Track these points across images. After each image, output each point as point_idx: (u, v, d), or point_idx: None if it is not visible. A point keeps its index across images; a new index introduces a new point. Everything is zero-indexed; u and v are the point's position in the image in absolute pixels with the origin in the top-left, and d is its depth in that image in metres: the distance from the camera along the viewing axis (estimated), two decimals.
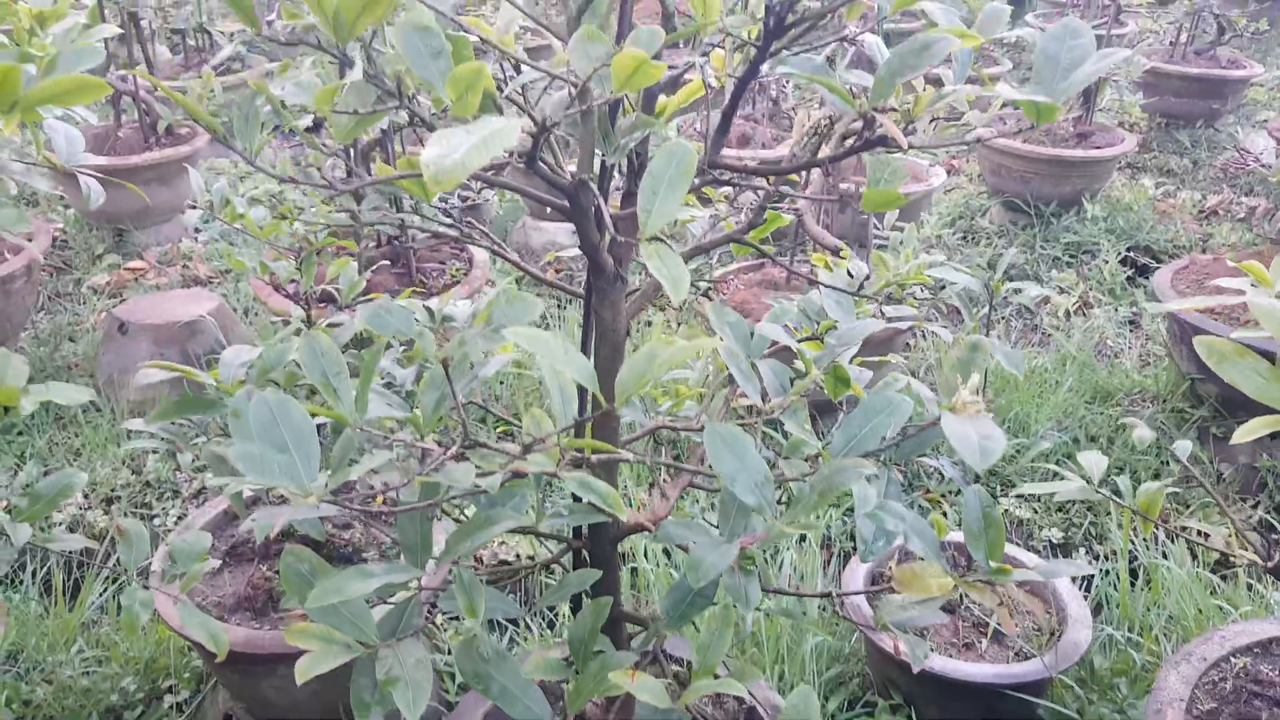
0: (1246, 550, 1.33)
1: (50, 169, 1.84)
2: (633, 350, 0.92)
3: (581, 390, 1.08)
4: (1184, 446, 1.55)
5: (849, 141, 1.07)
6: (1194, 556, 2.46)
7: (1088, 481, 1.53)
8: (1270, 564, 1.40)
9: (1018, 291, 2.53)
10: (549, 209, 1.05)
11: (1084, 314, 3.87)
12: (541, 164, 0.97)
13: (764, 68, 0.97)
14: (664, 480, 1.37)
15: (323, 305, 2.54)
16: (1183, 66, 5.28)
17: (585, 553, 1.31)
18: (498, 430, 2.69)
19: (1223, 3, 5.45)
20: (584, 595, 1.31)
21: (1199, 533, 2.53)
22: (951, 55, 1.04)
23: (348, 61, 0.98)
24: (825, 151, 1.06)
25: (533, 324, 0.85)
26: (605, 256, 1.08)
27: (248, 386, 1.08)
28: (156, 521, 2.70)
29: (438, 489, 1.03)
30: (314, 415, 0.89)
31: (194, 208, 2.02)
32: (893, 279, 1.48)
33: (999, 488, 2.82)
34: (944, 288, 3.95)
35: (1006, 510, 2.72)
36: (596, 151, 1.01)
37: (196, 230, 4.29)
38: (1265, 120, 5.68)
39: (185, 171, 4.21)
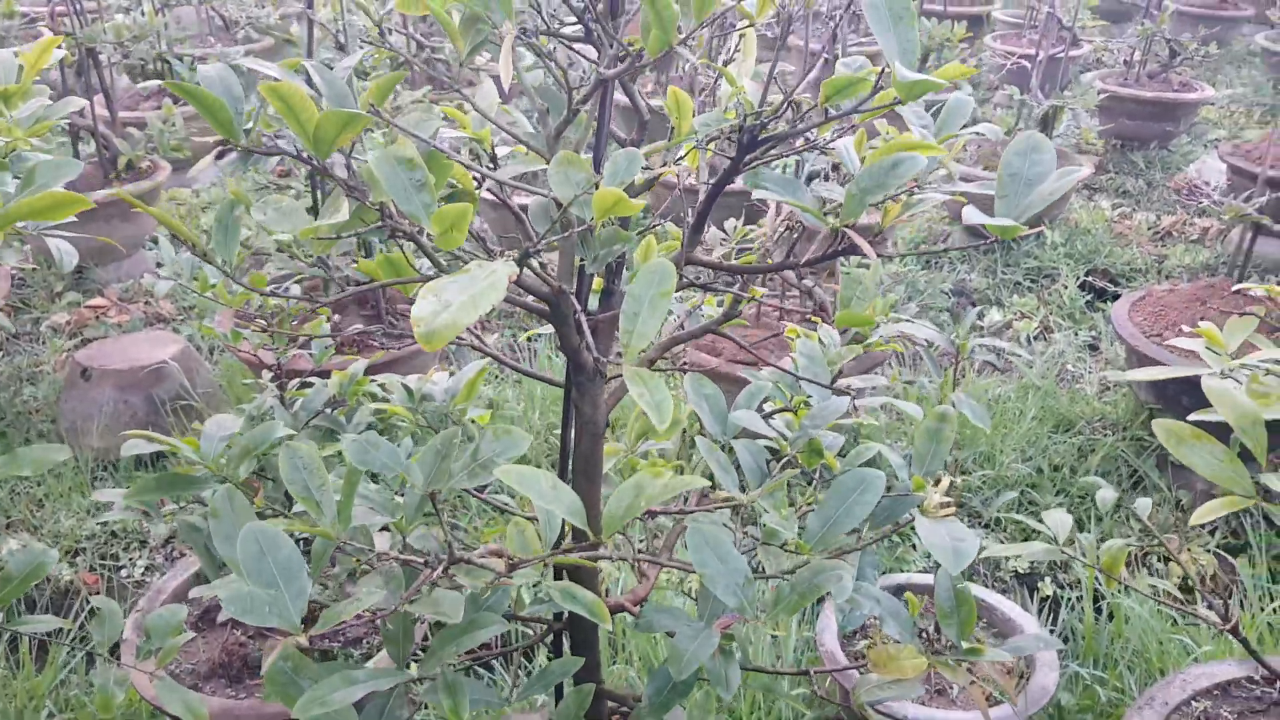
0: (1210, 611, 1.37)
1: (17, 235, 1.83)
2: (611, 435, 0.94)
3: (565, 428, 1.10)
4: (1144, 505, 1.59)
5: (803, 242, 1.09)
6: (1156, 589, 2.51)
7: (1054, 542, 1.57)
8: (1228, 625, 1.44)
9: (981, 325, 2.58)
10: (530, 301, 1.07)
11: (1045, 338, 3.94)
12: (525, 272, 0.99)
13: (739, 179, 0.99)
14: (642, 564, 1.39)
15: (293, 359, 2.53)
16: (1137, 90, 5.39)
17: (565, 634, 1.33)
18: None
19: (1174, 26, 5.57)
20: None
21: (1166, 560, 2.58)
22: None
23: (328, 173, 0.99)
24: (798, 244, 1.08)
25: (520, 459, 0.86)
26: (585, 355, 1.10)
27: (225, 488, 1.09)
28: (124, 573, 2.68)
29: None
30: (298, 533, 0.90)
31: (160, 268, 2.01)
32: (862, 347, 1.51)
33: (966, 518, 2.87)
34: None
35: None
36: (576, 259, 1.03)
37: (159, 265, 4.25)
38: (1216, 140, 5.81)
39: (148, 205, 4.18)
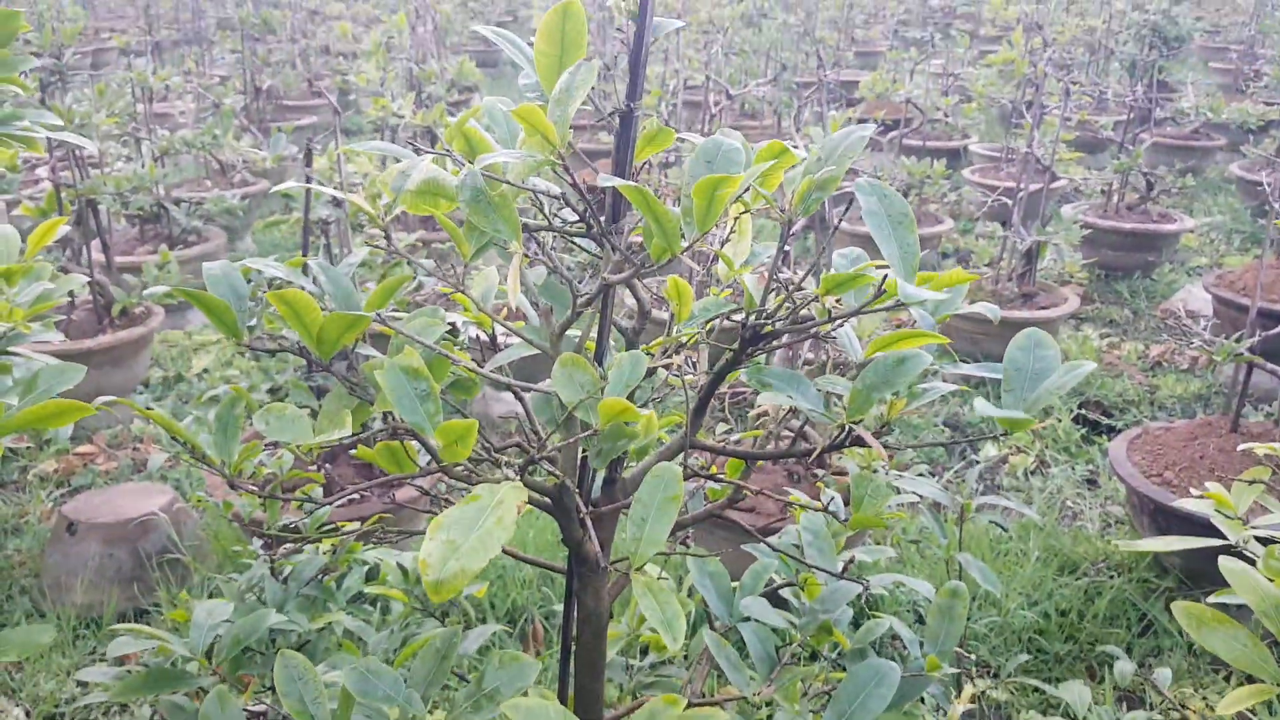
0: None
1: None
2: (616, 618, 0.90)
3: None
4: (1164, 676, 1.55)
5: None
6: None
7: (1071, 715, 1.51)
8: None
9: (975, 463, 2.55)
10: (533, 495, 1.05)
11: (1042, 474, 3.91)
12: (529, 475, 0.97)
13: (742, 375, 0.98)
14: None
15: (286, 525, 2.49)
16: (1117, 222, 5.51)
17: None
18: None
19: (1149, 158, 5.73)
20: None
21: None
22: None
23: (331, 372, 0.99)
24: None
25: (525, 691, 0.83)
26: (589, 548, 1.07)
27: (216, 691, 1.04)
28: None
29: None
30: None
31: (149, 409, 1.99)
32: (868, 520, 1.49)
33: (975, 669, 2.79)
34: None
35: (984, 692, 2.69)
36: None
37: (149, 406, 4.23)
38: (1198, 268, 5.92)
39: (140, 351, 4.18)
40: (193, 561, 3.03)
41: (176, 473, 3.79)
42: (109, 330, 4.07)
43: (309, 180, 2.72)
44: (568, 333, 1.08)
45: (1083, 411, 4.30)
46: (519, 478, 0.87)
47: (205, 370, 4.61)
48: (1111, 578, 3.15)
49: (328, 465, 3.04)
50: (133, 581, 2.98)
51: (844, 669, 1.38)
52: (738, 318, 1.02)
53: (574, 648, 1.17)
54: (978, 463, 2.97)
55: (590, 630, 1.13)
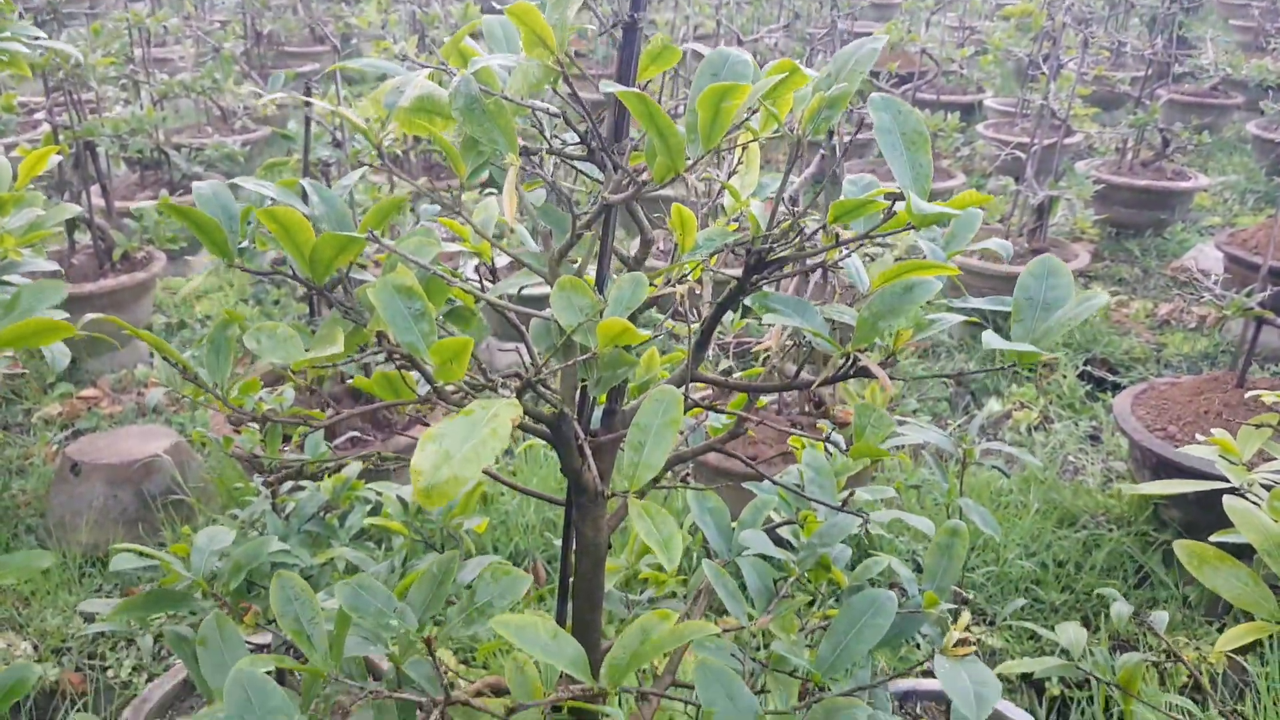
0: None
1: None
2: (614, 550, 0.90)
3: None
4: (1160, 619, 1.54)
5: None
6: (1163, 683, 2.46)
7: (1067, 656, 1.51)
8: None
9: (977, 420, 2.54)
10: (530, 424, 1.04)
11: (1045, 429, 3.90)
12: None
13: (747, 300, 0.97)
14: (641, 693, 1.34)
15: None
16: (1131, 179, 5.44)
17: None
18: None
19: (1165, 115, 5.66)
20: None
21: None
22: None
23: (324, 295, 0.97)
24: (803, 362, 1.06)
25: (515, 607, 0.82)
26: (587, 477, 1.06)
27: (214, 614, 1.04)
28: (110, 674, 2.59)
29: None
30: (286, 670, 0.86)
31: (153, 358, 1.98)
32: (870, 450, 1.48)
33: (971, 617, 2.80)
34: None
35: (979, 639, 2.70)
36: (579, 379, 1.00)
37: (152, 355, 4.23)
38: (1211, 227, 5.86)
39: (141, 297, 4.17)
40: (197, 502, 3.04)
41: (180, 417, 3.79)
42: (110, 275, 4.06)
43: (309, 120, 2.69)
44: (567, 262, 1.06)
45: (1088, 368, 4.28)
46: (515, 398, 0.86)
47: (209, 317, 4.60)
48: (1110, 530, 3.15)
49: (330, 410, 3.04)
50: (137, 522, 2.99)
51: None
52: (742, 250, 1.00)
53: (572, 579, 1.17)
54: (980, 406, 2.96)
55: (588, 561, 1.12)
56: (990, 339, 0.86)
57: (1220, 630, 2.75)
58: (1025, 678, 2.63)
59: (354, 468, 1.86)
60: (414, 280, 0.81)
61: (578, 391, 1.07)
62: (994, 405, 4.20)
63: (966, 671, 0.93)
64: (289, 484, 1.90)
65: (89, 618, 2.62)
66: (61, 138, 3.83)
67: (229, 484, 3.13)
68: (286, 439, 1.85)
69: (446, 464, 0.62)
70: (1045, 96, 4.54)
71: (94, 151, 4.10)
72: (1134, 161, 5.62)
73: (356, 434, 2.50)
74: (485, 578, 0.90)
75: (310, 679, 1.04)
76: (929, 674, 2.60)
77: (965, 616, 1.05)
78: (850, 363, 0.97)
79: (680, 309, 1.05)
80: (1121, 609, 1.48)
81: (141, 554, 1.34)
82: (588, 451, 0.95)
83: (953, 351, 4.44)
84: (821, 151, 2.53)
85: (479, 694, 0.96)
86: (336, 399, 3.06)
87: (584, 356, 0.85)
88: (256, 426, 1.84)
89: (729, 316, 2.92)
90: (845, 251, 0.97)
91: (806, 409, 2.77)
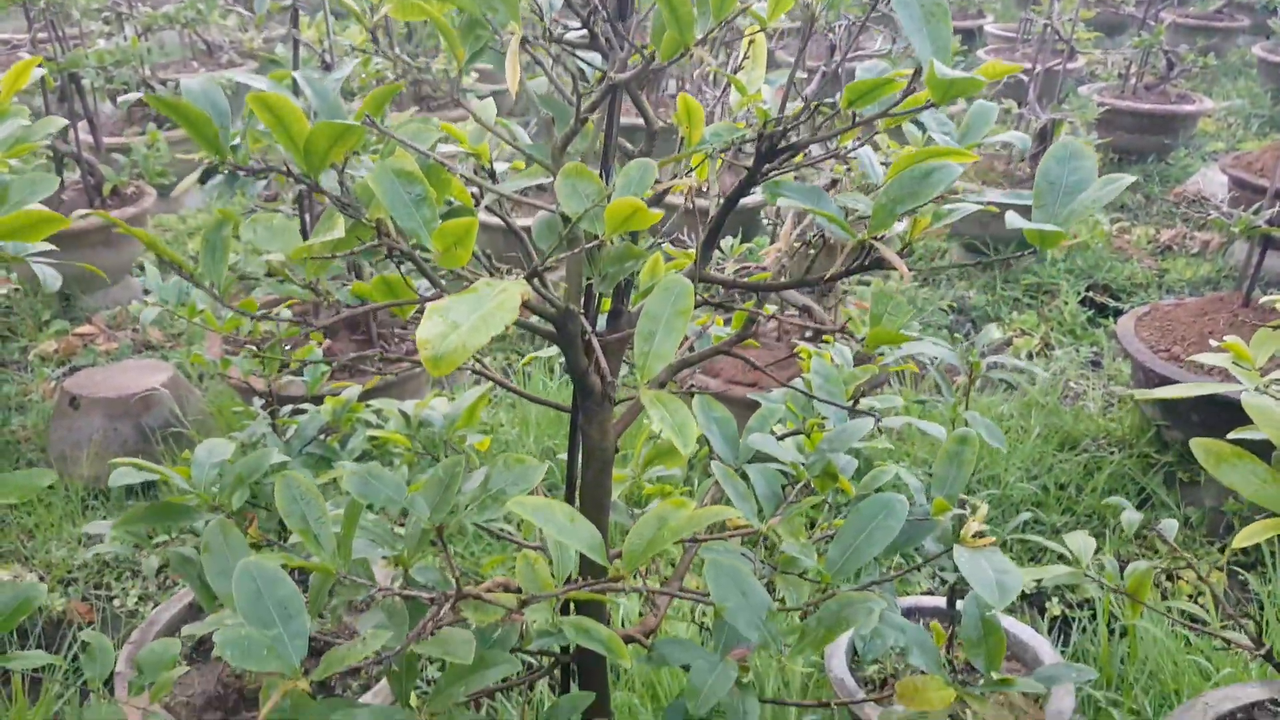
0: (1238, 634, 1.31)
1: None
2: (621, 462, 0.88)
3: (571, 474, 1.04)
4: (1169, 526, 1.54)
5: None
6: (1181, 613, 2.46)
7: (1076, 563, 1.51)
8: (1262, 650, 1.39)
9: (977, 345, 2.51)
10: (535, 323, 1.01)
11: (1046, 355, 3.89)
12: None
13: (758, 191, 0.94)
14: (651, 593, 1.33)
15: (285, 385, 2.47)
16: (1135, 103, 5.37)
17: (573, 667, 1.27)
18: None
19: (1170, 38, 5.56)
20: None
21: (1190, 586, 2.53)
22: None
23: (320, 190, 0.94)
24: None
25: (528, 491, 0.80)
26: (593, 379, 1.04)
27: (217, 516, 1.03)
28: (116, 603, 2.60)
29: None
30: (295, 569, 0.84)
31: (147, 295, 1.94)
32: (878, 368, 1.46)
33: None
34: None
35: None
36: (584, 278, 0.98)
37: (146, 292, 4.19)
38: (1215, 153, 5.80)
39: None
40: (196, 435, 3.03)
41: (177, 353, 3.77)
42: (100, 210, 4.00)
43: (296, 44, 2.62)
44: (569, 155, 1.03)
45: (1090, 294, 4.25)
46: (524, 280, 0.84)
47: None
48: (1112, 453, 3.15)
49: (327, 341, 3.02)
50: (138, 454, 2.98)
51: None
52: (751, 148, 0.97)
53: (579, 485, 1.16)
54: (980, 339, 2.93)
55: (595, 466, 1.11)
56: (1013, 219, 0.84)
57: (1221, 551, 2.76)
58: (1025, 597, 2.64)
59: (354, 390, 1.84)
60: (414, 165, 0.78)
61: (583, 294, 1.05)
62: (994, 332, 4.18)
63: (987, 561, 0.92)
64: (288, 407, 1.89)
65: (94, 539, 2.62)
66: (46, 69, 3.74)
67: (227, 415, 3.12)
68: (284, 367, 1.83)
69: (454, 333, 0.60)
70: (1048, 18, 4.46)
71: (79, 85, 4.02)
72: (1138, 85, 5.54)
73: (353, 355, 2.47)
74: (499, 465, 0.88)
75: (320, 582, 1.03)
76: (930, 594, 2.62)
77: (983, 509, 1.04)
78: (865, 254, 0.94)
79: (689, 206, 1.02)
80: (1131, 516, 1.48)
81: (140, 468, 1.32)
82: (596, 347, 0.92)
83: (953, 280, 4.41)
84: (823, 70, 2.47)
85: (489, 591, 0.95)
86: (332, 334, 3.04)
87: (590, 244, 0.82)
88: (253, 350, 1.81)
89: (728, 241, 2.88)
90: (858, 140, 0.94)
91: (807, 335, 2.75)
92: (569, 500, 1.15)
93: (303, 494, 0.92)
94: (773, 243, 2.50)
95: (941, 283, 4.41)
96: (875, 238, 0.88)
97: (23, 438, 3.24)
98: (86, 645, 1.39)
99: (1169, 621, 2.35)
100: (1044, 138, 4.42)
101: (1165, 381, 2.87)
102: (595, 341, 0.93)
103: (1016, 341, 3.93)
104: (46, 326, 3.95)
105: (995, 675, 1.16)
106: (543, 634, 1.16)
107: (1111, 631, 2.41)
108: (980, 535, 0.99)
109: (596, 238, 0.84)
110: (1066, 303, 4.14)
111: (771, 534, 1.06)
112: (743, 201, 0.97)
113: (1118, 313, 4.10)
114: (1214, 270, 4.47)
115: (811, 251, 1.02)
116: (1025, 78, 4.61)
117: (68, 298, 4.06)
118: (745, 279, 1.13)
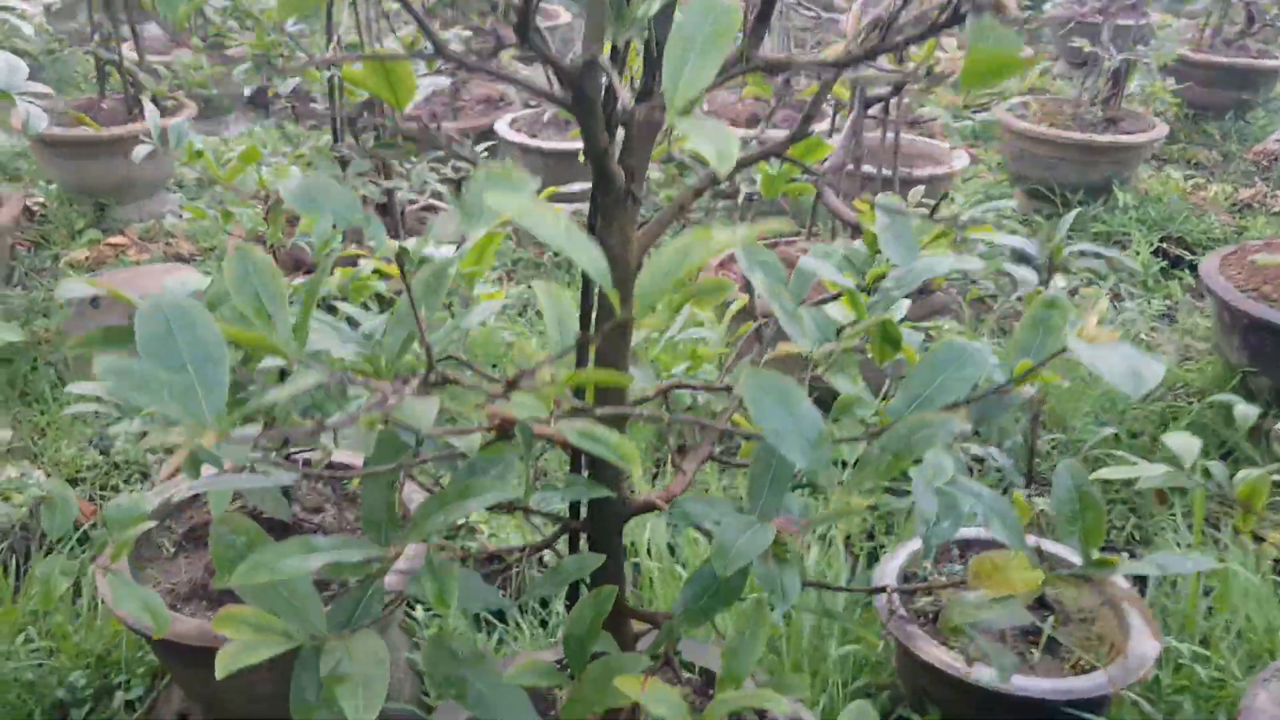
0: None
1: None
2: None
3: (585, 311, 0.87)
4: None
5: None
6: (1258, 559, 2.25)
7: (1178, 466, 1.32)
8: None
9: (1070, 269, 2.31)
10: (541, 98, 0.85)
11: (1115, 307, 3.66)
12: (535, 36, 0.77)
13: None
14: (678, 456, 1.17)
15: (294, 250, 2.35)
16: (1211, 55, 5.08)
17: (584, 536, 1.11)
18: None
19: None
20: (583, 586, 1.11)
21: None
22: None
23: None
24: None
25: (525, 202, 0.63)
26: (614, 166, 0.87)
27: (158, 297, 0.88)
28: None
29: (402, 449, 0.83)
30: (236, 342, 0.69)
31: (178, 186, 1.83)
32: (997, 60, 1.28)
33: (1035, 486, 2.61)
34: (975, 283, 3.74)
35: (1042, 510, 2.52)
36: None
37: (181, 207, 4.09)
38: None
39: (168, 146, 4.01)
40: None
41: (206, 265, 3.67)
42: (140, 119, 3.90)
43: None
44: None
45: (1163, 245, 4.00)
46: None
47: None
48: (1190, 403, 2.92)
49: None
50: None
51: None
52: None
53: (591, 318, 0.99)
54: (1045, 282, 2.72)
55: (615, 276, 0.94)
56: None
57: None
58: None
59: (367, 264, 1.71)
60: None
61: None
62: (1059, 281, 3.95)
63: (1116, 351, 0.75)
64: (300, 275, 1.75)
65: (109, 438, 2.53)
66: None
67: None
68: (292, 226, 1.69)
69: None
70: None
71: None
72: (1215, 39, 5.23)
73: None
74: (479, 176, 0.71)
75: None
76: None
77: (1104, 301, 0.86)
78: (952, 3, 0.76)
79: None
80: (1246, 410, 1.29)
81: (91, 284, 1.19)
82: (619, 102, 0.75)
83: (1017, 228, 4.18)
84: None
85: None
86: None
87: None
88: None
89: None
90: None
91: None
92: (584, 326, 0.99)
93: (258, 269, 0.77)
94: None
95: (1004, 230, 4.18)
96: None
97: (44, 339, 3.15)
98: (43, 499, 1.25)
99: (1260, 575, 2.14)
100: (1117, 80, 4.17)
101: (1253, 322, 2.64)
102: (621, 99, 0.76)
103: (1084, 291, 3.70)
104: (80, 235, 3.86)
105: (1095, 557, 0.98)
106: (546, 487, 0.99)
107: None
108: (1103, 332, 0.81)
109: None
110: (1138, 253, 3.89)
111: (822, 364, 0.89)
112: None
113: (1193, 267, 3.84)
114: None
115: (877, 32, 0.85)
116: (1100, 17, 4.34)
117: (103, 207, 3.97)
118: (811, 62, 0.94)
